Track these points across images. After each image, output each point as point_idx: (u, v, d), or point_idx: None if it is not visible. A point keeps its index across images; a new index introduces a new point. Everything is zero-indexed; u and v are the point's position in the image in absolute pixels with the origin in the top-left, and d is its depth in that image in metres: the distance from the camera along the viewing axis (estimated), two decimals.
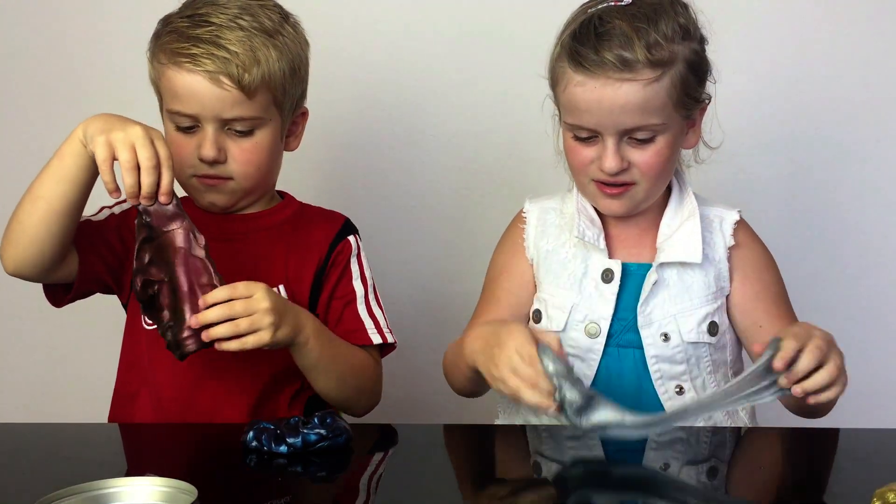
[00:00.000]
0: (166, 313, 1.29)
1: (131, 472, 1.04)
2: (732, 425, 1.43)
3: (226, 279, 1.42)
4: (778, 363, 1.16)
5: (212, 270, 1.30)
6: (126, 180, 1.25)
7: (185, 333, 1.28)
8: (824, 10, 1.96)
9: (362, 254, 1.52)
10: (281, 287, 1.45)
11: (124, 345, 1.50)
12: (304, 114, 1.52)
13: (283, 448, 1.19)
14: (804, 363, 1.17)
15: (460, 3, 2.00)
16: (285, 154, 1.53)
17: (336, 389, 1.43)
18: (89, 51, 2.04)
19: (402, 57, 2.01)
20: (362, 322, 1.47)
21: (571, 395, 1.16)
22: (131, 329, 1.48)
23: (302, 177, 1.81)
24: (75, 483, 1.01)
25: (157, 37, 1.42)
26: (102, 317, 1.60)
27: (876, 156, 1.99)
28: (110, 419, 1.48)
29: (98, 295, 1.49)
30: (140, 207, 1.28)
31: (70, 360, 2.12)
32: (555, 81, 1.40)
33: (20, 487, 1.12)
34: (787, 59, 1.97)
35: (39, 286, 1.38)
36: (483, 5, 1.99)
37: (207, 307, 1.27)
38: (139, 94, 1.52)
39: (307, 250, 1.49)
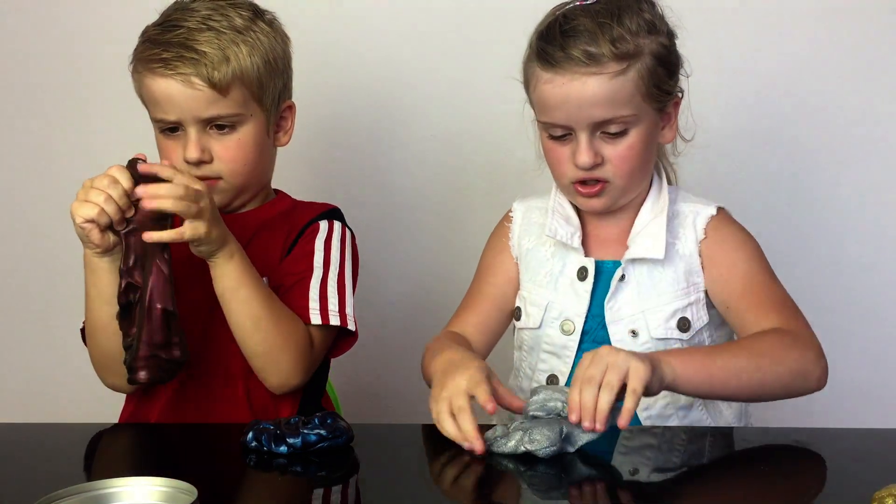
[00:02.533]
0: (134, 330, 1.30)
1: (131, 472, 1.03)
2: (714, 425, 1.43)
3: (208, 277, 1.41)
4: (573, 417, 1.18)
5: (171, 293, 1.29)
6: (108, 209, 1.28)
7: (139, 363, 1.28)
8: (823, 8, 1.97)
9: (334, 239, 1.48)
10: (265, 280, 1.43)
11: None
12: (291, 108, 1.52)
13: (283, 448, 1.19)
14: (599, 405, 1.17)
15: (454, 2, 2.00)
16: (280, 154, 1.54)
17: (252, 333, 1.36)
18: (89, 55, 2.05)
19: (397, 56, 2.02)
20: (307, 300, 1.42)
21: (539, 436, 1.18)
22: None
23: (296, 176, 1.81)
24: (75, 483, 1.01)
25: (135, 49, 1.45)
26: None
27: (876, 156, 1.99)
28: (121, 419, 1.50)
29: None
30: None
31: (70, 360, 2.11)
32: (526, 83, 1.43)
33: (20, 487, 1.12)
34: (789, 56, 1.97)
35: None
36: (477, 5, 2.00)
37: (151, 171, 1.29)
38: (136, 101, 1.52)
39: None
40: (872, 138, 1.98)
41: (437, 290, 2.05)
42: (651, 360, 1.21)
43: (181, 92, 1.39)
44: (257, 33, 1.43)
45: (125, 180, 1.29)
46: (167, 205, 1.26)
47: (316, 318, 1.41)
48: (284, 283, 1.44)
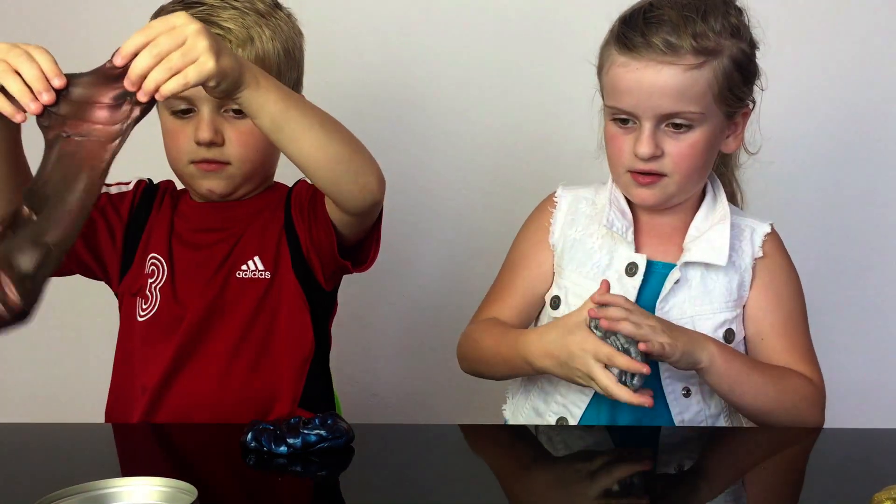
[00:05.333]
0: (24, 231, 1.03)
1: (131, 472, 1.03)
2: (730, 424, 1.43)
3: (209, 266, 1.39)
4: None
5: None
6: (12, 88, 1.06)
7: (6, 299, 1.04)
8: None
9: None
10: (256, 258, 1.42)
11: (119, 339, 1.48)
12: None
13: (283, 448, 1.19)
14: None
15: (465, 0, 2.01)
16: None
17: (319, 149, 1.24)
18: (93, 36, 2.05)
19: (407, 56, 2.01)
20: None
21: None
22: (126, 322, 1.46)
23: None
24: (75, 483, 1.01)
25: None
26: (101, 316, 1.60)
27: (877, 157, 1.99)
28: (107, 417, 1.48)
29: (97, 294, 1.49)
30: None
31: (70, 360, 2.12)
32: (600, 66, 1.42)
33: (20, 487, 1.12)
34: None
35: None
36: (487, 3, 2.00)
37: (128, 58, 1.06)
38: None
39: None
40: (872, 138, 1.99)
41: (438, 290, 2.05)
42: (695, 340, 1.29)
43: None
44: (278, 20, 1.41)
45: (45, 60, 1.07)
46: (172, 85, 1.07)
47: None
48: (318, 212, 1.40)
